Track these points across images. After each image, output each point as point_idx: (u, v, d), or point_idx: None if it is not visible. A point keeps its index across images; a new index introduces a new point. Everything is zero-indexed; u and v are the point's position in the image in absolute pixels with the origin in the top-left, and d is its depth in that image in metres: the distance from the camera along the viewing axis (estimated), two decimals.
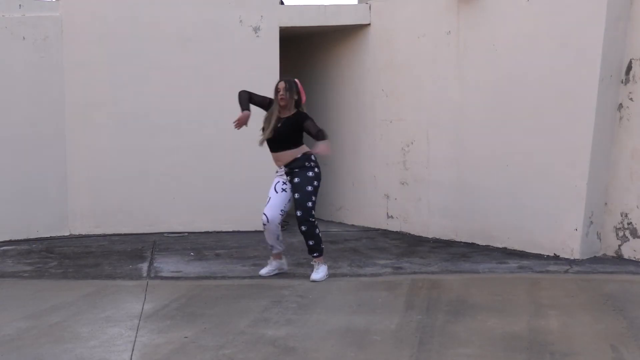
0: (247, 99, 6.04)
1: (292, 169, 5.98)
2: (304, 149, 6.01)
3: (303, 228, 5.96)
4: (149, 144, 8.27)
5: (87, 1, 8.19)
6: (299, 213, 5.92)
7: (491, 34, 7.33)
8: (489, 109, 7.41)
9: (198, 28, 8.27)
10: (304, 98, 6.11)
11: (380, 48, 8.46)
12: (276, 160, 6.06)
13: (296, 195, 5.93)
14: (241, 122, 5.94)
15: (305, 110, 6.12)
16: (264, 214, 6.00)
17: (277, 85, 6.06)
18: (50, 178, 8.11)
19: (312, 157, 6.00)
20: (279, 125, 5.96)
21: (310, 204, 5.91)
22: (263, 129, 6.04)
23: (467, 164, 7.66)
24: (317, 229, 6.02)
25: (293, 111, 6.03)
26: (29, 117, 7.96)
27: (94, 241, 7.91)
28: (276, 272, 6.27)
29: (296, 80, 6.13)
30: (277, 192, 6.04)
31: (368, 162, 8.75)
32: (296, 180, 5.95)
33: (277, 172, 6.12)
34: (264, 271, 6.27)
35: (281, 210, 6.03)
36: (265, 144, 6.08)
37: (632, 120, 6.72)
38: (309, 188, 5.92)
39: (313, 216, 5.95)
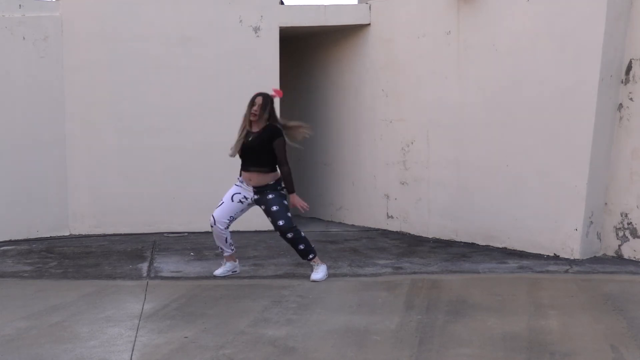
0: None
1: (262, 192, 5.98)
2: (276, 175, 5.99)
3: (289, 236, 5.97)
4: (149, 144, 8.27)
5: (87, 1, 8.19)
6: (281, 222, 5.92)
7: (491, 34, 7.33)
8: (489, 109, 7.41)
9: (198, 28, 8.27)
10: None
11: (380, 48, 8.46)
12: (247, 179, 6.00)
13: (274, 208, 5.94)
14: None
15: (279, 122, 6.03)
16: (212, 216, 6.07)
17: (254, 98, 5.98)
18: (51, 178, 8.11)
19: (282, 185, 6.03)
20: (249, 139, 5.93)
21: (289, 214, 5.97)
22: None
23: (467, 163, 7.66)
24: (302, 232, 6.06)
25: (263, 125, 5.95)
26: (29, 117, 7.96)
27: (94, 241, 7.91)
28: (230, 273, 6.30)
29: (276, 93, 6.11)
30: (232, 201, 6.06)
31: (368, 162, 8.75)
32: (270, 196, 5.95)
33: (240, 181, 6.07)
34: (218, 272, 6.30)
35: (230, 217, 6.08)
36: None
37: (632, 120, 6.72)
38: (285, 202, 5.99)
39: (294, 223, 6.00)
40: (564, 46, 6.76)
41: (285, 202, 5.98)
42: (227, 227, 6.10)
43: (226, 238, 6.14)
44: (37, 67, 7.96)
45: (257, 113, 5.91)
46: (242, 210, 6.13)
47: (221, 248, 6.22)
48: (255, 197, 6.01)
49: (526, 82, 7.06)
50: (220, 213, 6.05)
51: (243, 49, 8.29)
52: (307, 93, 9.53)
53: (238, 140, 5.98)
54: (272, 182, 5.97)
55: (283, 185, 6.03)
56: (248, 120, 5.96)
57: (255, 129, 5.95)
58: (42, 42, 7.97)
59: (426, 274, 6.37)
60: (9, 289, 5.94)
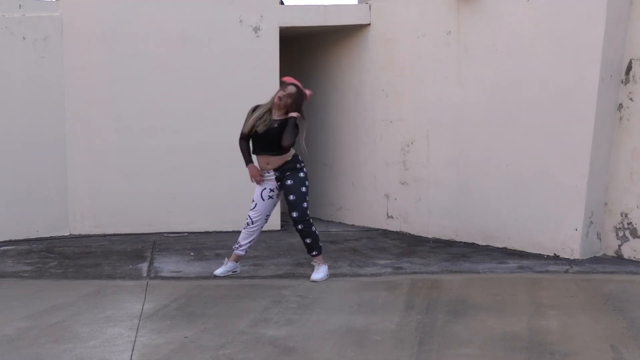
0: (247, 149, 6.05)
1: (283, 173, 5.97)
2: (292, 151, 6.02)
3: (300, 227, 5.99)
4: (149, 144, 8.27)
5: (87, 1, 8.19)
6: (295, 214, 5.95)
7: (491, 34, 7.33)
8: (489, 109, 7.41)
9: (198, 28, 8.27)
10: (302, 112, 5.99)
11: (380, 48, 8.46)
12: (265, 164, 5.97)
13: (291, 197, 5.95)
14: (255, 177, 6.01)
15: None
16: (249, 217, 6.09)
17: (287, 86, 5.92)
18: (50, 178, 8.11)
19: (301, 159, 6.05)
20: (275, 125, 5.89)
21: (305, 204, 5.97)
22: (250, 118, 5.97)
23: (467, 163, 7.66)
24: (314, 227, 6.07)
25: (285, 115, 5.89)
26: (29, 117, 7.95)
27: (94, 241, 7.91)
28: (230, 273, 6.28)
29: (307, 94, 5.98)
30: (263, 200, 6.06)
31: (368, 162, 8.75)
32: (289, 182, 5.95)
33: (264, 174, 6.03)
34: (218, 271, 6.28)
35: (267, 216, 6.15)
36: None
37: (632, 120, 6.73)
38: (303, 189, 5.97)
39: (308, 215, 6.02)
40: (563, 46, 6.76)
41: (303, 190, 5.96)
42: (262, 227, 6.15)
43: (253, 239, 6.17)
44: (37, 67, 7.96)
45: (284, 101, 5.84)
46: (275, 205, 6.17)
47: (239, 244, 6.17)
48: (278, 183, 6.01)
49: (526, 82, 7.06)
50: (256, 214, 6.08)
51: (243, 49, 8.29)
52: None
53: (255, 119, 5.89)
54: (290, 159, 5.96)
55: (301, 160, 6.03)
56: (272, 103, 5.90)
57: (276, 116, 5.92)
58: (42, 42, 7.97)
59: (426, 274, 6.37)
60: (9, 289, 5.94)
